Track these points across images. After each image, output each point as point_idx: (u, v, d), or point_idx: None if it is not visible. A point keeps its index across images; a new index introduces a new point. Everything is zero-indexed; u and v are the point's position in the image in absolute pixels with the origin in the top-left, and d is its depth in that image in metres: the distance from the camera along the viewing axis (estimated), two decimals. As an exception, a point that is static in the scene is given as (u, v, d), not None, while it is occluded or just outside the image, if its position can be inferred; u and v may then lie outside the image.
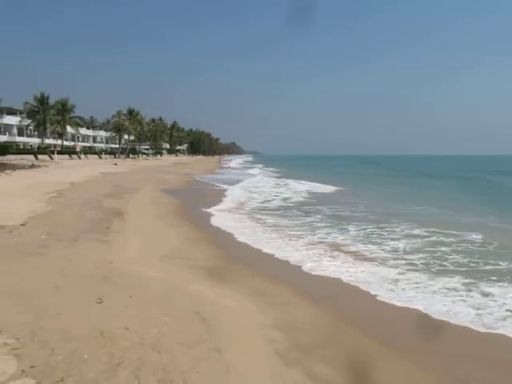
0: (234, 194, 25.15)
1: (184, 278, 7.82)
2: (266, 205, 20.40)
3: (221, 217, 15.61)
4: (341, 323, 6.11)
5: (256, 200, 22.48)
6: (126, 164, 58.26)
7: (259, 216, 15.94)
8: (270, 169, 68.70)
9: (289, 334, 5.38)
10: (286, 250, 10.29)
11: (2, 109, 44.23)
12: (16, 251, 8.14)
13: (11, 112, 60.55)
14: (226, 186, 30.85)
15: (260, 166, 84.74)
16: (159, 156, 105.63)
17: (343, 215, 16.15)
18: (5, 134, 60.69)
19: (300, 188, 30.15)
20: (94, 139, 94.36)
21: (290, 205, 20.23)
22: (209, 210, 17.25)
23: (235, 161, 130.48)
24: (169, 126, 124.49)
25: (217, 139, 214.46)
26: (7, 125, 60.64)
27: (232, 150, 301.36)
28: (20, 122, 63.93)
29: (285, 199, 22.78)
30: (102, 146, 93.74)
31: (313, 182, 34.39)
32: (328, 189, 29.18)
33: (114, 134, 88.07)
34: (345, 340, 5.50)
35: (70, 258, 8.08)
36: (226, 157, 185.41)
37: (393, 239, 11.48)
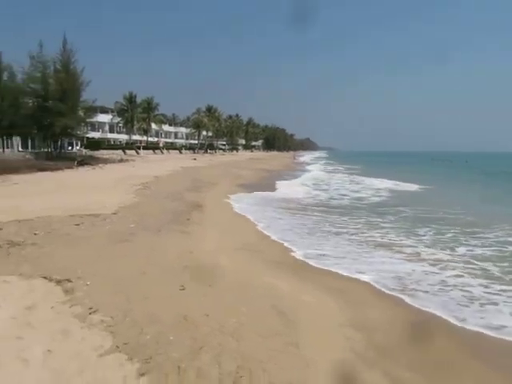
0: (303, 191, 24.93)
1: (259, 270, 7.96)
2: (340, 202, 20.02)
3: (288, 213, 15.63)
4: (421, 326, 5.82)
5: (329, 198, 22.14)
6: (204, 159, 60.70)
7: (328, 216, 15.66)
8: (346, 165, 67.06)
9: (366, 333, 5.25)
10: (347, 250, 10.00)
11: (96, 108, 48.38)
12: (109, 238, 8.91)
13: (104, 110, 66.02)
14: (297, 182, 30.79)
15: (332, 162, 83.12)
16: (235, 151, 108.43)
17: (430, 218, 14.78)
18: (98, 131, 66.36)
19: (378, 185, 28.99)
20: (176, 135, 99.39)
21: (362, 205, 19.57)
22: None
23: (307, 156, 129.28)
24: (245, 122, 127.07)
25: (291, 135, 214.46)
26: (100, 122, 66.21)
27: (306, 145, 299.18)
28: (111, 119, 69.52)
29: (359, 198, 22.02)
30: (183, 141, 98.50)
31: (392, 179, 32.51)
32: (412, 187, 27.31)
33: (193, 131, 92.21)
34: (426, 344, 5.23)
35: (154, 246, 8.65)
36: (300, 152, 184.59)
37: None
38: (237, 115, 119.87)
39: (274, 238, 10.97)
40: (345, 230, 12.31)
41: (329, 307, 6.23)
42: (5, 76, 34.72)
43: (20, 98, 34.77)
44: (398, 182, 30.37)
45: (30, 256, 7.29)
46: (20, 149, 40.58)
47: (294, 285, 7.16)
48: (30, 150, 40.57)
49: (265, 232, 11.68)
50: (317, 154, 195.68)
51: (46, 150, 38.77)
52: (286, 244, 10.29)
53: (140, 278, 6.45)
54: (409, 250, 9.94)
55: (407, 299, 6.74)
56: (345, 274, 7.98)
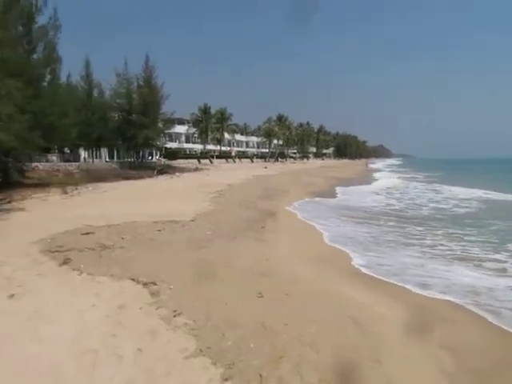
0: (376, 200, 24.00)
1: (332, 279, 7.79)
2: (416, 212, 18.98)
3: (359, 222, 15.11)
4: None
5: (404, 207, 21.09)
6: (275, 167, 61.20)
7: (402, 226, 14.88)
8: (423, 173, 63.51)
9: (456, 353, 4.88)
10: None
11: (173, 119, 51.31)
12: (189, 244, 9.30)
13: (181, 122, 69.70)
14: (369, 190, 29.75)
15: (408, 169, 79.09)
16: (305, 160, 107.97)
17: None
18: (175, 142, 70.13)
19: (463, 195, 26.73)
20: (247, 144, 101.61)
21: (443, 216, 18.30)
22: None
23: (380, 164, 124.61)
24: (315, 130, 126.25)
25: (364, 142, 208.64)
26: (177, 133, 69.96)
27: (380, 152, 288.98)
28: (187, 130, 73.14)
29: (440, 209, 20.63)
30: (254, 150, 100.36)
31: (481, 188, 28.72)
32: (508, 197, 24.21)
33: (264, 139, 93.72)
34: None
35: (231, 253, 8.86)
36: (373, 160, 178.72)
37: None
38: (307, 123, 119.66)
39: (343, 247, 10.70)
40: (419, 242, 11.61)
41: (408, 323, 5.90)
42: (95, 93, 38.11)
43: (107, 113, 37.94)
44: (488, 191, 27.27)
45: (119, 259, 7.84)
46: (107, 159, 44.17)
47: (367, 296, 6.89)
48: (115, 159, 43.99)
49: (335, 241, 11.43)
50: (391, 161, 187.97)
51: (129, 159, 41.76)
52: (355, 254, 9.98)
53: (219, 284, 6.63)
54: (494, 266, 9.09)
55: (492, 318, 6.17)
56: (419, 288, 7.52)
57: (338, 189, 30.62)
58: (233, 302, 5.79)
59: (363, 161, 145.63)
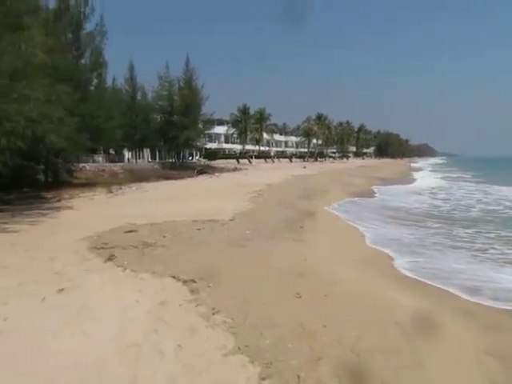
0: (420, 200, 23.17)
1: (377, 282, 7.60)
2: (464, 214, 18.15)
3: (402, 223, 14.63)
4: None
5: (450, 209, 20.25)
6: (314, 167, 60.66)
7: (449, 228, 14.26)
8: (471, 172, 60.60)
9: (505, 360, 4.62)
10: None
11: (213, 120, 52.17)
12: (228, 243, 9.40)
13: (220, 122, 70.68)
14: (412, 190, 28.78)
15: (454, 168, 75.94)
16: (345, 159, 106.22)
17: None
18: (215, 142, 71.19)
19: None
20: (286, 144, 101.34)
21: (494, 218, 17.38)
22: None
23: (424, 162, 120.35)
24: (356, 128, 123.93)
25: (406, 140, 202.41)
26: (217, 134, 70.99)
27: (423, 151, 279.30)
28: (226, 130, 74.03)
29: (490, 211, 19.53)
30: (293, 150, 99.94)
31: None
32: None
33: (303, 139, 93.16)
34: None
35: (269, 252, 8.86)
36: (416, 159, 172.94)
37: None
38: (347, 122, 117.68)
39: (385, 249, 10.41)
40: (468, 245, 11.08)
41: (454, 328, 5.65)
42: (138, 95, 39.42)
43: (150, 114, 39.14)
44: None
45: (161, 256, 8.05)
46: (149, 159, 45.53)
47: (411, 299, 6.66)
48: (157, 160, 45.26)
49: (377, 242, 11.15)
50: (435, 160, 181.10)
51: (170, 160, 42.83)
52: (399, 256, 9.68)
53: (257, 283, 6.65)
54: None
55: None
56: (467, 293, 7.18)
57: (379, 188, 29.89)
58: (271, 301, 5.79)
59: (405, 160, 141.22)
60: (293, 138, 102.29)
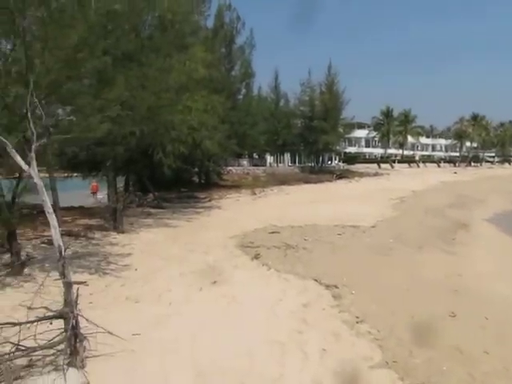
0: None
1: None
2: None
3: None
4: None
5: None
6: (466, 173, 54.35)
7: None
8: None
9: None
10: None
11: (353, 124, 51.04)
12: (369, 250, 9.06)
13: (360, 126, 68.64)
14: None
15: None
16: (506, 164, 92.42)
17: None
18: (354, 146, 69.50)
19: None
20: (433, 147, 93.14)
21: None
22: None
23: None
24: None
25: None
26: (357, 138, 69.15)
27: None
28: (367, 134, 71.63)
29: None
30: (441, 154, 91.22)
31: None
32: None
33: (454, 142, 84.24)
34: None
35: (417, 263, 8.25)
36: None
37: None
38: (510, 122, 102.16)
39: None
40: None
41: None
42: (281, 102, 41.01)
43: (291, 120, 40.30)
44: None
45: (302, 258, 8.20)
46: (289, 163, 46.93)
47: None
48: (297, 164, 46.37)
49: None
50: None
51: (309, 164, 43.41)
52: None
53: (403, 295, 6.25)
54: None
55: None
56: None
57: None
58: (419, 316, 5.36)
59: None
60: (441, 141, 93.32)
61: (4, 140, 3.96)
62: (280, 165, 44.44)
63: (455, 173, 51.82)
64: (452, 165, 75.27)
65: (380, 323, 5.05)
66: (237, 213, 15.79)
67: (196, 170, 25.53)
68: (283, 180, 30.16)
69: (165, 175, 16.95)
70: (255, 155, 43.06)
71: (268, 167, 39.86)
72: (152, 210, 15.82)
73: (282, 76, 58.37)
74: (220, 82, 19.95)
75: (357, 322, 5.06)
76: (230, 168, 33.26)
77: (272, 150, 40.91)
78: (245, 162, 39.35)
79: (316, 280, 6.70)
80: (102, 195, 20.09)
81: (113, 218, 11.26)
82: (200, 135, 13.93)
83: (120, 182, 16.41)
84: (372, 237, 10.69)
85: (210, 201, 20.61)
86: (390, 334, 4.79)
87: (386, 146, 70.24)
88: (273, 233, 10.92)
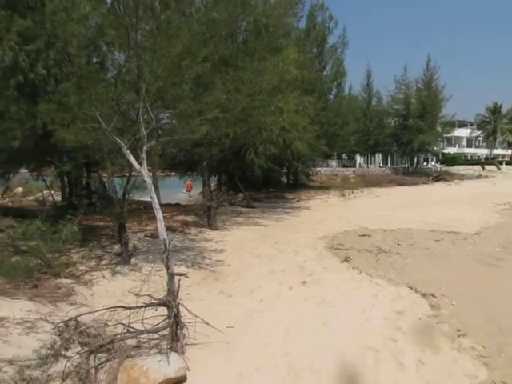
0: None
1: None
2: None
3: None
4: None
5: None
6: None
7: None
8: None
9: None
10: None
11: (454, 122, 47.15)
12: (472, 259, 8.33)
13: (462, 124, 63.30)
14: None
15: None
16: None
17: None
18: (454, 146, 64.27)
19: None
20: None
21: None
22: None
23: None
24: None
25: None
26: (458, 137, 63.85)
27: None
28: (470, 133, 65.80)
29: None
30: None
31: None
32: None
33: None
34: None
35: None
36: None
37: None
38: None
39: None
40: None
41: None
42: (373, 101, 39.54)
43: (384, 119, 38.64)
44: None
45: (396, 264, 7.83)
46: (381, 164, 45.05)
47: None
48: (388, 165, 44.33)
49: None
50: None
51: (403, 165, 41.22)
52: None
53: (513, 312, 5.63)
54: None
55: None
56: None
57: None
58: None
59: None
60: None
61: (121, 142, 4.42)
62: (371, 166, 42.93)
63: None
64: None
65: (486, 340, 4.63)
66: (325, 214, 15.61)
67: (285, 170, 25.80)
68: (374, 182, 29.09)
69: (254, 175, 17.43)
70: (344, 156, 42.15)
71: (358, 168, 38.73)
72: (242, 209, 16.36)
73: (374, 74, 56.12)
74: (311, 83, 19.89)
75: (458, 336, 4.70)
76: (319, 169, 33.00)
77: (362, 150, 39.69)
78: (333, 163, 38.72)
79: (411, 287, 6.36)
80: (195, 193, 21.35)
81: (207, 215, 11.87)
82: (291, 136, 14.06)
83: (212, 182, 17.28)
84: (475, 244, 9.81)
85: (298, 201, 20.69)
86: (498, 353, 4.36)
87: (491, 146, 63.84)
88: (363, 235, 10.60)
